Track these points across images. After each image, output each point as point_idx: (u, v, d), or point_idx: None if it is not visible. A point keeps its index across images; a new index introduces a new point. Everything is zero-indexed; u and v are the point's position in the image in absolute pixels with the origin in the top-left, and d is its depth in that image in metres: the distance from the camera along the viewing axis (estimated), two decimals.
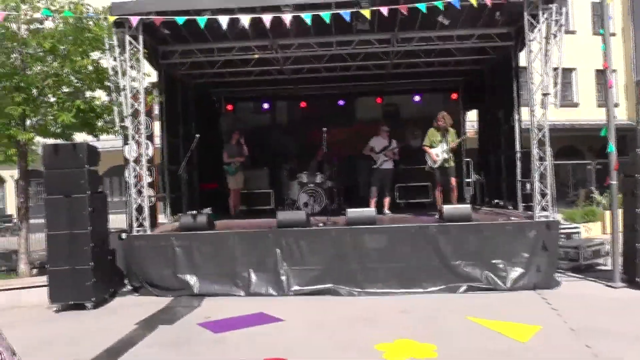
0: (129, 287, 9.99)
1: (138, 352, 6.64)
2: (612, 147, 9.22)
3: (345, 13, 9.21)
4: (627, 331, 6.73)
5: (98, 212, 9.16)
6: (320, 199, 13.33)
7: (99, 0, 10.83)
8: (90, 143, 9.49)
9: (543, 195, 9.65)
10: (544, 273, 9.17)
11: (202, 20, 9.34)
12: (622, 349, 6.08)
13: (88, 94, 11.34)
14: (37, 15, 10.37)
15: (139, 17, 9.56)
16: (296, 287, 9.34)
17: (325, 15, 9.18)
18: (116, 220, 12.52)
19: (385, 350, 6.33)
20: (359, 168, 14.67)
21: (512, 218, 10.16)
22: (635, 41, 26.58)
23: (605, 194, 17.12)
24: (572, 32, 27.15)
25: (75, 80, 11.09)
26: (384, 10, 9.18)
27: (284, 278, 9.38)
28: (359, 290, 9.21)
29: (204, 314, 8.35)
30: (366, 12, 9.21)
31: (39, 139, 11.42)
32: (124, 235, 10.03)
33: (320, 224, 10.18)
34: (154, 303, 9.06)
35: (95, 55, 11.09)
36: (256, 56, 12.19)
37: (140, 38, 9.93)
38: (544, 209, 9.63)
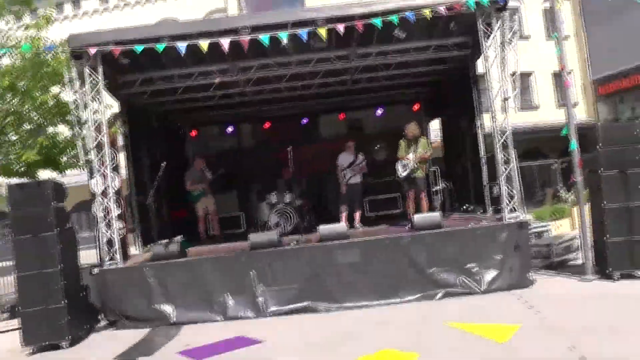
0: (105, 322, 9.81)
1: None
2: (574, 145, 9.43)
3: (303, 33, 9.29)
4: (602, 324, 6.84)
5: (68, 249, 9.01)
6: (290, 218, 13.32)
7: (55, 33, 10.76)
8: (56, 179, 9.37)
9: (511, 197, 9.78)
10: (518, 273, 9.28)
11: (160, 47, 9.34)
12: (599, 342, 6.18)
13: (50, 129, 11.23)
14: None
15: (97, 47, 9.48)
16: (274, 308, 9.29)
17: (283, 35, 9.26)
18: (87, 256, 12.33)
19: None
20: (327, 184, 14.69)
21: (483, 222, 10.27)
22: (588, 42, 27.16)
23: (571, 191, 17.45)
24: (527, 38, 27.70)
25: (37, 117, 10.99)
26: (340, 27, 9.29)
27: (260, 300, 9.32)
28: (337, 305, 9.20)
29: (183, 342, 8.26)
30: (322, 31, 9.31)
31: (2, 180, 11.26)
32: (95, 270, 9.88)
33: (293, 243, 10.16)
34: (131, 336, 8.90)
35: (55, 89, 11.00)
36: (217, 80, 12.17)
37: (100, 69, 9.85)
38: (512, 210, 9.76)
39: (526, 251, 9.51)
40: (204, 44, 9.27)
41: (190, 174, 13.08)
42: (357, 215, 12.56)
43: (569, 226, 15.64)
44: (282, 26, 9.47)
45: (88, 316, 9.59)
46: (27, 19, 11.11)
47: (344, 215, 12.26)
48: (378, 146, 13.83)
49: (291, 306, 9.25)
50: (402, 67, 12.88)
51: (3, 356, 8.77)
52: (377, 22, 9.28)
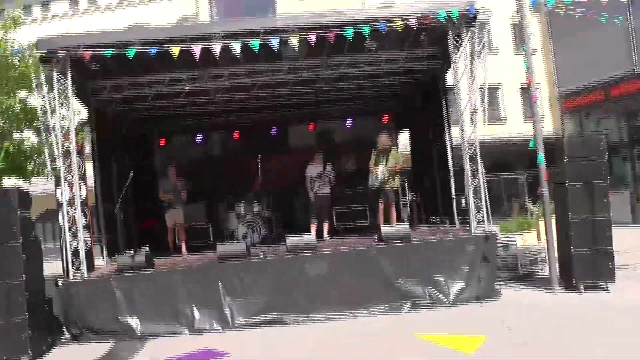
0: (68, 336, 9.57)
1: None
2: (541, 158, 9.56)
3: (275, 41, 9.28)
4: (569, 334, 6.92)
5: (32, 260, 8.76)
6: (258, 229, 13.26)
7: (23, 36, 10.57)
8: (21, 188, 9.17)
9: (478, 209, 9.86)
10: (484, 285, 9.36)
11: (131, 52, 9.23)
12: (566, 353, 6.23)
13: (16, 135, 10.99)
14: None
15: (67, 51, 9.32)
16: (241, 320, 9.20)
17: (254, 43, 9.23)
18: (51, 267, 12.12)
19: None
20: (296, 195, 14.64)
21: (450, 234, 10.32)
22: (555, 57, 27.57)
23: (537, 203, 17.64)
24: (496, 51, 28.06)
25: (2, 121, 10.75)
26: (312, 37, 9.30)
27: (227, 312, 9.23)
28: (305, 317, 9.15)
29: (149, 355, 8.16)
30: (295, 40, 9.30)
31: None
32: (60, 282, 9.69)
33: (261, 254, 10.10)
34: (95, 350, 8.72)
35: (22, 94, 10.80)
36: (187, 88, 12.07)
37: (69, 74, 9.64)
38: (480, 222, 9.83)
39: (493, 263, 9.59)
40: (175, 49, 9.19)
41: (163, 183, 12.66)
42: (326, 227, 12.51)
43: (535, 238, 15.83)
44: (255, 34, 9.42)
45: (51, 330, 9.35)
46: None
47: (313, 226, 12.20)
48: (349, 163, 13.79)
49: (259, 318, 9.18)
50: (372, 77, 12.93)
51: None
52: (349, 32, 9.31)
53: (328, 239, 12.28)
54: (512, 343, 6.87)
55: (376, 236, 10.55)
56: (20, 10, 10.92)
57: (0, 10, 11.29)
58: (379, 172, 11.21)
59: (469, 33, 9.92)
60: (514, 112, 29.37)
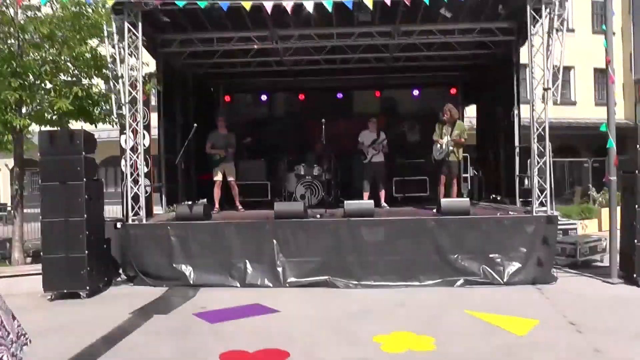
0: (124, 277, 9.89)
1: (133, 341, 6.57)
2: (611, 143, 9.18)
3: (348, 2, 9.13)
4: (626, 327, 6.70)
5: (94, 200, 9.04)
6: (317, 191, 13.29)
7: None
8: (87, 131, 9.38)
9: (542, 190, 9.60)
10: (541, 268, 9.14)
11: (202, 4, 9.24)
12: (621, 345, 6.05)
13: (85, 81, 11.23)
14: (35, 1, 10.30)
15: (138, 0, 9.41)
16: (292, 279, 9.27)
17: (328, 2, 9.09)
18: (111, 211, 12.44)
19: (383, 342, 6.28)
20: (356, 161, 14.60)
21: (511, 212, 10.12)
22: (634, 40, 26.58)
23: (602, 191, 17.15)
24: (572, 31, 27.13)
25: (73, 68, 11.00)
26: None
27: (280, 269, 9.31)
28: (356, 282, 9.15)
29: (200, 304, 8.28)
30: (369, 2, 9.14)
31: (34, 128, 11.32)
32: (119, 224, 9.94)
33: (318, 216, 10.12)
34: (149, 293, 8.97)
35: (93, 42, 11.00)
36: (256, 47, 12.08)
37: (139, 25, 9.80)
38: (542, 204, 9.59)
39: (552, 247, 9.36)
40: (246, 4, 9.15)
41: (212, 136, 12.35)
42: (383, 194, 12.40)
43: (595, 227, 15.42)
44: None
45: (108, 269, 9.65)
46: None
47: (366, 194, 12.13)
48: (406, 126, 13.54)
49: (310, 279, 9.23)
50: (444, 48, 12.71)
51: (22, 298, 8.87)
52: None
53: (386, 206, 12.19)
54: (566, 329, 6.70)
55: (435, 208, 10.43)
56: None
57: None
58: (444, 143, 11.00)
59: (548, 8, 9.57)
60: (585, 96, 28.51)
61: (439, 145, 11.07)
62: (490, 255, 9.18)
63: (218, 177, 12.21)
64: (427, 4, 9.16)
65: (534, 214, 9.50)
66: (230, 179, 12.33)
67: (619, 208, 9.54)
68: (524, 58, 10.57)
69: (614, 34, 9.39)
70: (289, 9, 9.20)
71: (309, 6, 9.16)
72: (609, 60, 9.21)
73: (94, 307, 8.35)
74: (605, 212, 13.67)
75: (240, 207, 12.40)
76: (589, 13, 28.58)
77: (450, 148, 10.98)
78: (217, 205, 12.13)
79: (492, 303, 8.00)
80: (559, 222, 10.78)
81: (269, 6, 9.21)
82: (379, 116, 13.37)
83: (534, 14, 9.73)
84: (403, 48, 12.78)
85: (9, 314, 2.95)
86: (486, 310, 7.50)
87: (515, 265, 9.16)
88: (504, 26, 11.47)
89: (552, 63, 9.62)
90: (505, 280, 9.08)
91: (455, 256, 9.18)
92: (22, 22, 10.44)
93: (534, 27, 9.87)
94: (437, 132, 11.16)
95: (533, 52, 9.83)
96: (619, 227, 9.40)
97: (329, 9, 9.19)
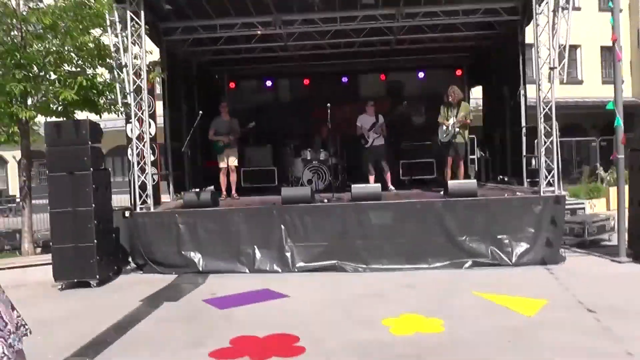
0: (133, 265, 9.97)
1: (144, 328, 6.64)
2: (619, 121, 9.11)
3: None
4: (635, 305, 6.70)
5: (101, 190, 9.10)
6: (324, 175, 13.28)
7: None
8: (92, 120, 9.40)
9: (549, 170, 9.57)
10: (549, 248, 9.14)
11: None
12: (631, 323, 6.04)
13: (90, 71, 11.24)
14: None
15: None
16: (301, 264, 9.31)
17: None
18: (119, 200, 12.47)
19: (392, 324, 6.31)
20: (362, 145, 14.60)
21: (518, 193, 10.10)
22: None
23: (609, 170, 17.06)
24: (577, 9, 26.85)
25: (77, 58, 11.01)
26: None
27: (288, 254, 9.35)
28: (364, 266, 9.19)
29: (209, 290, 8.34)
30: None
31: (40, 119, 11.35)
32: (127, 213, 9.98)
33: (325, 200, 10.12)
34: (158, 280, 9.05)
35: (96, 32, 11.00)
36: (259, 32, 12.04)
37: (142, 14, 9.79)
38: (550, 184, 9.56)
39: (560, 227, 9.33)
40: None
41: (215, 122, 12.03)
42: (388, 177, 12.26)
43: (604, 206, 15.35)
44: None
45: (117, 258, 9.74)
46: None
47: (372, 178, 12.08)
48: (404, 106, 13.35)
49: (319, 263, 9.27)
50: (448, 30, 12.60)
51: (33, 288, 8.96)
52: None
53: (393, 189, 12.09)
54: (575, 308, 6.70)
55: (442, 190, 10.41)
56: None
57: None
58: (450, 124, 10.94)
59: None
60: (591, 75, 28.29)
61: (444, 127, 10.99)
62: (498, 237, 9.17)
63: (223, 164, 11.99)
64: None
65: (542, 194, 9.47)
66: (232, 164, 12.08)
67: (627, 186, 9.49)
68: (529, 38, 10.48)
69: (621, 10, 9.26)
70: None
71: None
72: (616, 38, 9.12)
73: (104, 296, 8.44)
74: (613, 190, 13.61)
75: (235, 195, 12.10)
76: None
77: (456, 129, 10.92)
78: (224, 192, 11.96)
79: (501, 284, 8.00)
80: (567, 202, 10.76)
81: None
82: (377, 99, 13.26)
83: None
84: (407, 30, 12.68)
85: (8, 305, 2.97)
86: (495, 292, 7.51)
87: (524, 246, 9.15)
88: (509, 5, 11.35)
89: (557, 42, 9.55)
90: (513, 261, 9.07)
91: (463, 238, 9.18)
92: (24, 13, 10.43)
93: (539, 6, 9.79)
94: (442, 114, 11.07)
95: (538, 31, 9.75)
96: (627, 205, 9.37)
97: None
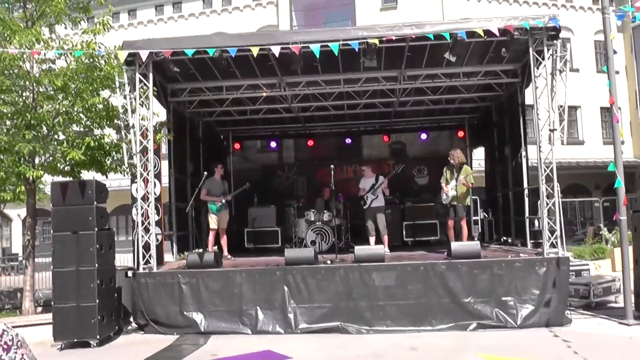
0: (135, 325, 9.85)
1: None
2: (619, 183, 9.16)
3: (354, 43, 9.31)
4: None
5: (105, 249, 9.12)
6: (327, 237, 13.27)
7: (110, 40, 11.01)
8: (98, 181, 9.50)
9: (552, 231, 9.57)
10: (554, 310, 9.05)
11: (211, 51, 9.50)
12: None
13: (97, 132, 11.42)
14: (50, 54, 10.55)
15: (149, 51, 9.59)
16: (304, 325, 9.23)
17: (334, 46, 9.26)
18: (122, 260, 12.45)
19: None
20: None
21: (522, 255, 10.07)
22: (638, 78, 26.75)
23: (613, 231, 17.00)
24: (576, 70, 27.35)
25: (86, 119, 11.20)
26: (392, 37, 9.30)
27: (291, 316, 9.27)
28: (368, 328, 9.10)
29: (211, 351, 8.25)
30: (375, 41, 9.32)
31: (46, 179, 11.46)
32: (130, 273, 9.96)
33: (328, 262, 10.10)
34: (160, 341, 8.95)
35: (105, 93, 11.22)
36: (264, 94, 12.26)
37: (150, 76, 10.00)
38: (553, 245, 9.53)
39: (565, 288, 9.28)
40: (254, 49, 9.33)
41: (208, 182, 11.81)
42: (385, 240, 12.04)
43: (609, 267, 15.22)
44: (334, 41, 9.47)
45: (119, 317, 9.66)
46: (84, 25, 11.41)
47: (372, 238, 12.05)
48: (399, 167, 13.37)
49: (322, 325, 9.18)
50: (449, 91, 12.84)
51: (32, 348, 8.82)
52: (430, 36, 9.31)
53: (388, 252, 11.91)
54: None
55: (445, 252, 10.40)
56: (109, 17, 11.35)
57: (91, 16, 11.73)
58: (451, 187, 11.02)
59: (550, 50, 9.68)
60: (592, 135, 28.51)
61: (446, 190, 11.10)
62: (503, 298, 9.10)
63: (215, 225, 11.91)
64: (432, 39, 9.36)
65: (545, 255, 9.44)
66: (223, 227, 12.10)
67: (630, 248, 9.47)
68: (529, 99, 10.64)
69: (617, 72, 9.46)
70: (297, 51, 9.37)
71: (315, 51, 9.31)
72: (613, 101, 9.27)
73: (103, 356, 8.34)
74: (618, 251, 13.55)
75: (229, 255, 12.09)
76: (593, 52, 28.85)
77: (457, 192, 11.00)
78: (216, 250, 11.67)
79: (506, 346, 7.92)
80: (572, 263, 10.71)
81: (276, 50, 9.38)
82: (373, 161, 13.41)
83: (537, 56, 9.84)
84: (409, 92, 12.91)
85: None
86: (500, 354, 7.43)
87: (529, 308, 9.07)
88: (508, 68, 11.60)
89: (557, 104, 9.70)
90: (518, 323, 8.98)
91: (468, 300, 9.12)
92: (36, 75, 10.66)
93: (538, 69, 9.97)
94: (445, 177, 11.22)
95: (538, 93, 9.91)
96: (632, 266, 9.32)
97: (335, 52, 9.35)
